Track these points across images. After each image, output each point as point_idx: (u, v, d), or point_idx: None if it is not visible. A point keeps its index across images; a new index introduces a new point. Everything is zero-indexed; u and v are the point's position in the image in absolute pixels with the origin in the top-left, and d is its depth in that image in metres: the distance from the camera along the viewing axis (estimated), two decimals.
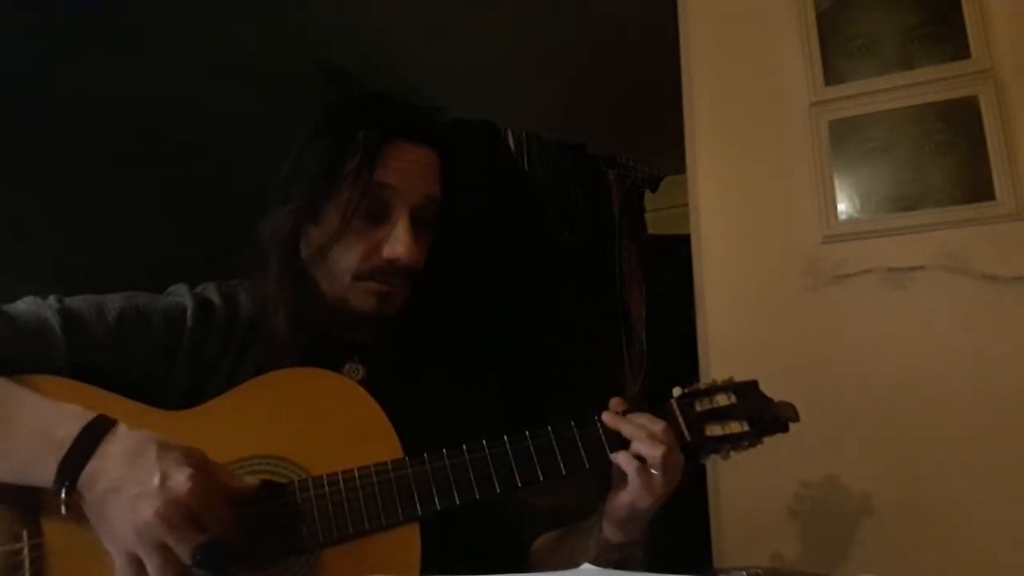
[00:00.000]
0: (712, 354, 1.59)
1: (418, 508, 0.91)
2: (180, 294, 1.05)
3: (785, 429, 1.05)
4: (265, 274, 1.05)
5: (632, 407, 1.01)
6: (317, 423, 0.95)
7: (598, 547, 0.99)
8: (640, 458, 0.94)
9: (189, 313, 1.01)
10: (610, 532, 0.98)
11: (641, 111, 2.48)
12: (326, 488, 0.90)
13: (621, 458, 0.95)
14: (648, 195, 2.21)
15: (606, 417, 0.98)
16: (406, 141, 1.05)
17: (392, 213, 1.02)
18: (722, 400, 1.03)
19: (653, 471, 0.92)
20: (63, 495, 0.80)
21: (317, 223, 1.04)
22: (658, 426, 0.95)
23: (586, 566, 0.76)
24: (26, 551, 0.83)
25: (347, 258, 1.02)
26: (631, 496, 0.93)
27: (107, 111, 2.66)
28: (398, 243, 1.01)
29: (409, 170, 1.04)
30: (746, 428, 1.02)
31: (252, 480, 0.88)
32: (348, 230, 1.01)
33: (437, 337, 1.10)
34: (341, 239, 1.01)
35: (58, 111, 2.64)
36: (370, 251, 1.02)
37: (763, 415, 1.04)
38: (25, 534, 0.84)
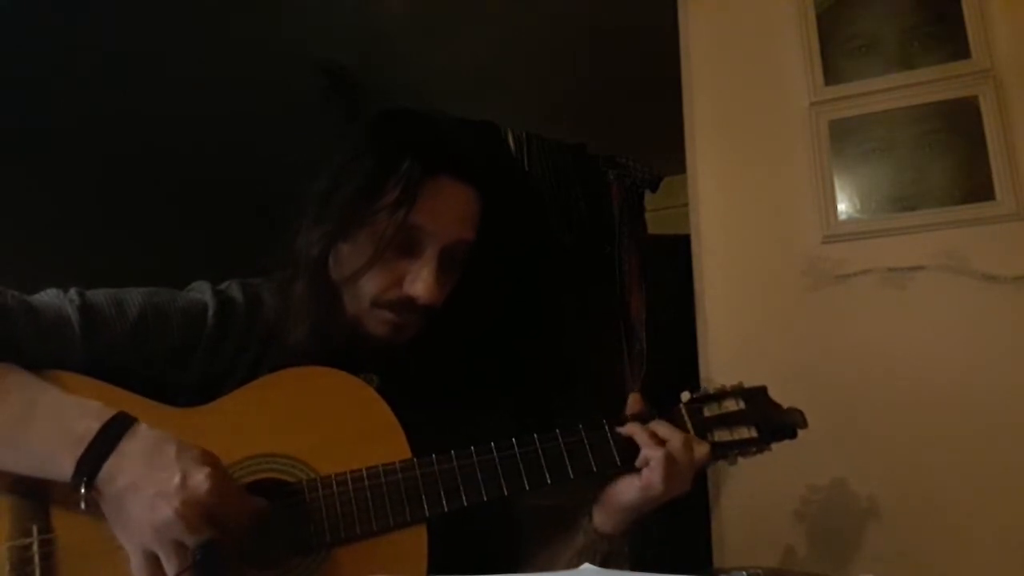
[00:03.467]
0: (712, 354, 1.59)
1: (426, 509, 0.91)
2: (202, 291, 1.04)
3: (793, 436, 1.05)
4: (291, 285, 1.04)
5: (648, 409, 1.02)
6: (326, 422, 0.95)
7: (586, 537, 0.99)
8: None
9: (210, 312, 1.00)
10: (600, 521, 0.99)
11: (641, 111, 2.48)
12: (334, 488, 0.90)
13: (645, 441, 0.96)
14: (648, 195, 2.22)
15: (628, 427, 0.98)
16: (449, 177, 1.02)
17: (422, 249, 1.01)
18: (730, 405, 1.03)
19: (677, 464, 0.94)
20: (82, 491, 0.81)
21: (348, 242, 1.03)
22: (679, 436, 0.96)
23: (586, 566, 0.77)
24: (35, 546, 0.83)
25: (369, 285, 1.01)
26: (644, 482, 0.94)
27: (116, 111, 2.65)
28: (420, 283, 1.00)
29: (447, 210, 1.02)
30: (754, 434, 1.02)
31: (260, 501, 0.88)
32: (377, 260, 1.00)
33: (451, 347, 1.10)
34: (370, 269, 1.00)
35: (66, 111, 2.64)
36: (392, 283, 1.01)
37: (771, 421, 1.04)
38: (35, 529, 0.84)
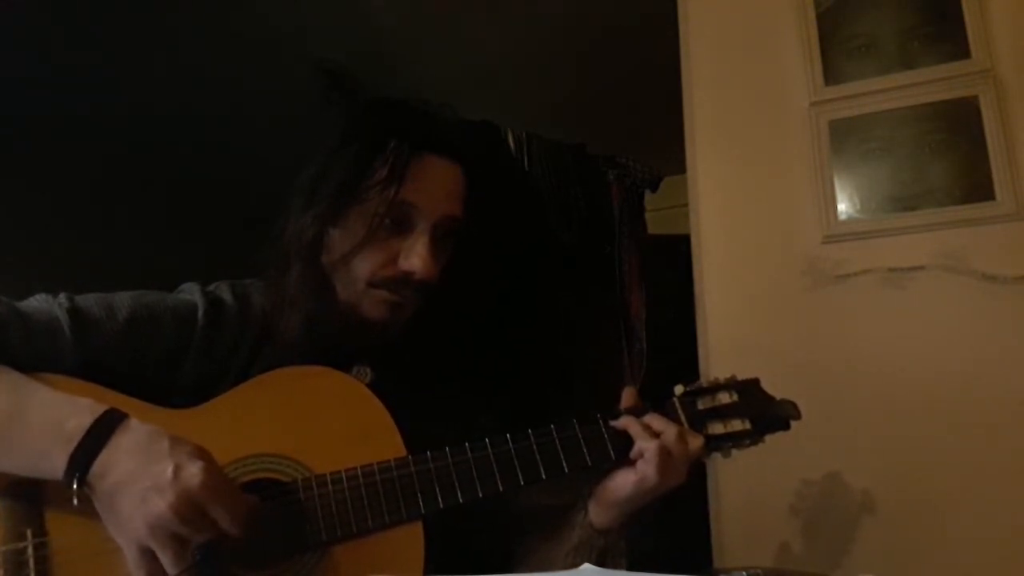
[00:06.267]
0: (712, 354, 1.59)
1: (421, 506, 0.91)
2: (191, 292, 1.05)
3: (787, 427, 1.05)
4: (284, 275, 1.05)
5: (642, 403, 1.02)
6: (320, 421, 0.95)
7: (582, 532, 0.99)
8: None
9: (200, 313, 1.01)
10: (595, 515, 0.99)
11: (641, 111, 2.49)
12: (329, 486, 0.90)
13: (639, 434, 0.96)
14: (648, 195, 2.21)
15: (622, 420, 0.98)
16: (435, 154, 1.05)
17: (414, 225, 1.03)
18: (724, 398, 1.03)
19: (671, 456, 0.94)
20: (74, 487, 0.80)
21: (338, 227, 1.04)
22: (673, 429, 0.96)
23: (586, 566, 0.77)
24: (30, 550, 0.83)
25: (364, 265, 1.02)
26: (638, 475, 0.94)
27: (110, 111, 2.66)
28: (415, 257, 1.02)
29: (435, 187, 1.04)
30: (748, 426, 1.02)
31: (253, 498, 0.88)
32: (370, 241, 1.01)
33: (445, 341, 1.10)
34: (363, 250, 1.02)
35: (62, 111, 2.64)
36: (387, 261, 1.02)
37: (765, 413, 1.04)
38: (30, 532, 0.84)
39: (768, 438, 1.06)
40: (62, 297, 0.97)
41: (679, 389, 1.04)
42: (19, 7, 2.21)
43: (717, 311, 1.61)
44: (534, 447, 0.95)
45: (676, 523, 1.27)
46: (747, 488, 1.50)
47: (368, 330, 1.05)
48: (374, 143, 1.04)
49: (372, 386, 1.00)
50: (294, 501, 0.90)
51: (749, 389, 1.06)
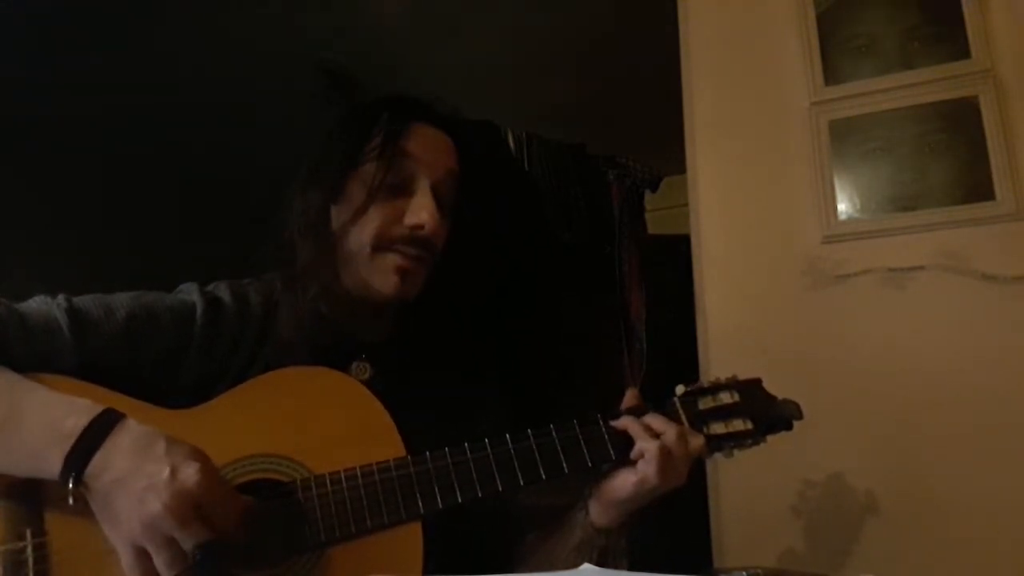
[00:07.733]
0: (712, 354, 1.59)
1: (420, 507, 0.90)
2: (189, 292, 1.04)
3: (789, 427, 1.05)
4: (291, 262, 1.06)
5: (643, 404, 1.01)
6: (319, 422, 0.95)
7: (583, 532, 0.99)
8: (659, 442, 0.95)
9: (199, 312, 1.00)
10: (596, 515, 0.98)
11: (641, 111, 2.49)
12: (328, 487, 0.90)
13: (640, 434, 0.95)
14: (648, 195, 2.22)
15: (622, 420, 0.98)
16: (427, 124, 1.08)
17: (414, 185, 1.05)
18: (725, 398, 1.02)
19: (672, 456, 0.94)
20: (70, 486, 0.80)
21: (339, 203, 1.06)
22: (673, 429, 0.96)
23: (586, 566, 0.76)
24: (30, 550, 0.83)
25: (367, 228, 1.03)
26: (639, 475, 0.94)
27: (109, 111, 2.66)
28: (422, 210, 1.03)
29: (431, 146, 1.07)
30: (749, 426, 1.02)
31: (248, 499, 0.88)
32: (372, 202, 1.03)
33: (445, 337, 1.11)
34: (366, 212, 1.03)
35: (61, 111, 2.64)
36: (392, 220, 1.03)
37: (767, 413, 1.04)
38: (28, 532, 0.84)
39: (768, 438, 1.06)
40: (60, 298, 0.97)
41: (680, 389, 1.03)
42: (20, 7, 2.21)
43: (717, 311, 1.61)
44: (534, 447, 0.95)
45: (676, 523, 1.27)
46: (747, 488, 1.50)
47: (378, 309, 1.06)
48: (368, 117, 1.07)
49: (371, 382, 1.00)
50: (293, 502, 0.89)
51: (751, 389, 1.05)
